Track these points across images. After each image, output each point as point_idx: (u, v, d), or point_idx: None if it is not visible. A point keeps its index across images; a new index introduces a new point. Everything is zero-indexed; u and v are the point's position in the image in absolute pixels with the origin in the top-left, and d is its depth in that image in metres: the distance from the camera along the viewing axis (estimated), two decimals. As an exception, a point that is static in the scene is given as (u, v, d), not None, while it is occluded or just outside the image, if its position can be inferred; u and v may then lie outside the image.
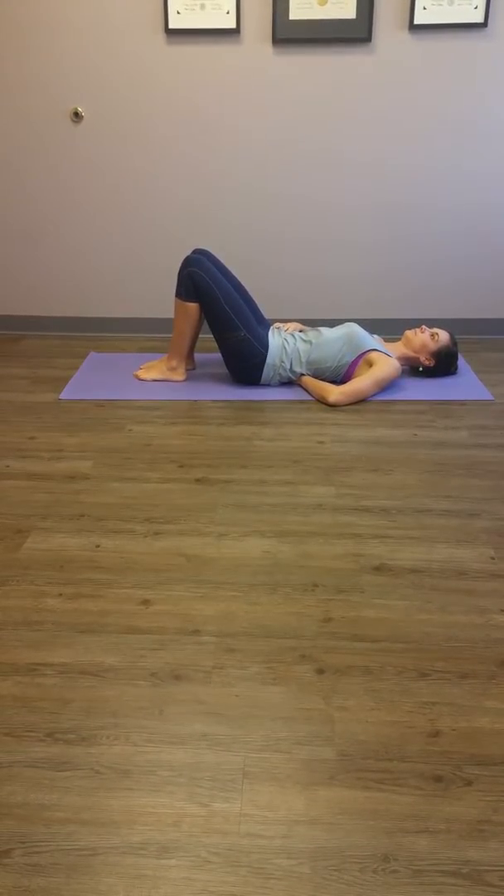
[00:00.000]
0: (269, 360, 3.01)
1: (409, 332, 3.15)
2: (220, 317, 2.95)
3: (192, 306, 3.00)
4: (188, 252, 3.51)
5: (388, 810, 1.28)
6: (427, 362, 3.12)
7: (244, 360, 3.01)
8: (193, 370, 3.27)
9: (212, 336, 3.17)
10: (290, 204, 3.54)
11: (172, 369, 3.15)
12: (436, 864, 1.19)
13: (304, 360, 3.03)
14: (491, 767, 1.36)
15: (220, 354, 3.26)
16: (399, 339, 3.40)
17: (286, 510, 2.19)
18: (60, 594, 1.82)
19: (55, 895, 1.15)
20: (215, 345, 3.34)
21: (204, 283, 2.93)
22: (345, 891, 1.15)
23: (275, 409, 2.88)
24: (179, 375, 3.15)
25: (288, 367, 3.03)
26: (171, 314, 3.63)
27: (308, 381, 3.02)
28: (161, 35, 3.28)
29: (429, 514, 2.17)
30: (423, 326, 3.15)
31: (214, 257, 3.10)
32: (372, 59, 3.28)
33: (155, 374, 3.16)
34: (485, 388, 3.07)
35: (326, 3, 3.16)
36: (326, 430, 2.71)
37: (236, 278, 3.14)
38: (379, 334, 3.65)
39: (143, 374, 3.17)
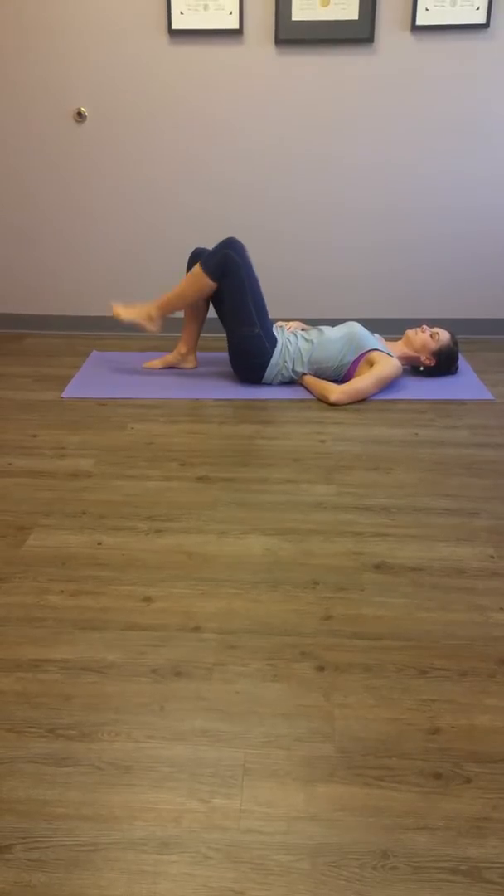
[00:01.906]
0: (272, 359, 3.01)
1: (409, 332, 3.16)
2: (241, 309, 2.92)
3: (209, 284, 2.94)
4: (190, 251, 3.51)
5: (388, 807, 1.29)
6: (428, 362, 3.13)
7: (251, 358, 3.01)
8: (195, 368, 3.28)
9: (213, 336, 3.18)
10: (292, 204, 3.55)
11: (149, 319, 3.06)
12: (435, 860, 1.20)
13: (305, 359, 3.03)
14: (490, 765, 1.36)
15: (221, 354, 3.26)
16: (400, 339, 3.40)
17: (287, 508, 2.19)
18: (62, 591, 1.83)
19: (56, 890, 1.16)
20: (217, 344, 3.35)
21: (236, 269, 2.87)
22: (344, 887, 1.16)
23: (276, 408, 2.89)
24: (153, 326, 3.07)
25: (290, 366, 3.04)
26: (174, 312, 3.62)
27: (309, 380, 3.02)
28: (164, 35, 3.29)
29: (429, 512, 2.18)
30: (424, 326, 3.15)
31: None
32: (374, 60, 3.28)
33: (133, 315, 3.06)
34: (485, 387, 3.08)
35: (329, 4, 3.17)
36: (327, 428, 2.71)
37: (258, 280, 3.10)
38: (380, 334, 3.66)
39: (121, 311, 3.06)
